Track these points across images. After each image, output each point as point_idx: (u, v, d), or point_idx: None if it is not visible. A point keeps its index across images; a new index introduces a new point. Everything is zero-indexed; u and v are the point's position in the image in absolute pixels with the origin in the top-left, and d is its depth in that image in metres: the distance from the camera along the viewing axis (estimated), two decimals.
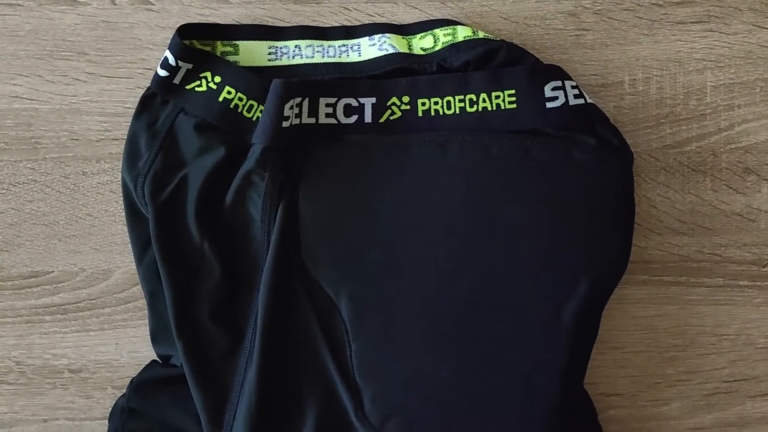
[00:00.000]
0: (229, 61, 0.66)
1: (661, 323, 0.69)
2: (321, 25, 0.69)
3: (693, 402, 0.70)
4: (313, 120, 0.64)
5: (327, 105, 0.65)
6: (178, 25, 0.65)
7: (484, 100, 0.65)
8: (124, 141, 0.66)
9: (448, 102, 0.65)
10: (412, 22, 0.68)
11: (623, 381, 0.70)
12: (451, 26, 0.67)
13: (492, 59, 0.66)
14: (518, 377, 0.63)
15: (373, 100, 0.65)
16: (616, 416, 0.69)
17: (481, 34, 0.66)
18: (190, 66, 0.65)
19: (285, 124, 0.62)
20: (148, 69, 0.69)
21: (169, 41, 0.64)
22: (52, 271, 0.69)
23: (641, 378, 0.70)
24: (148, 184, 0.64)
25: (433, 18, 0.68)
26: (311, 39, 0.68)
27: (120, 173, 0.67)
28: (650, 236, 0.69)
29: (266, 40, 0.68)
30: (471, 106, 0.65)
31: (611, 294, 0.65)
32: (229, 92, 0.65)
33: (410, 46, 0.67)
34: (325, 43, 0.68)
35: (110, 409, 0.67)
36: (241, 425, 0.63)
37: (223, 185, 0.64)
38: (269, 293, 0.63)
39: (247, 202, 0.64)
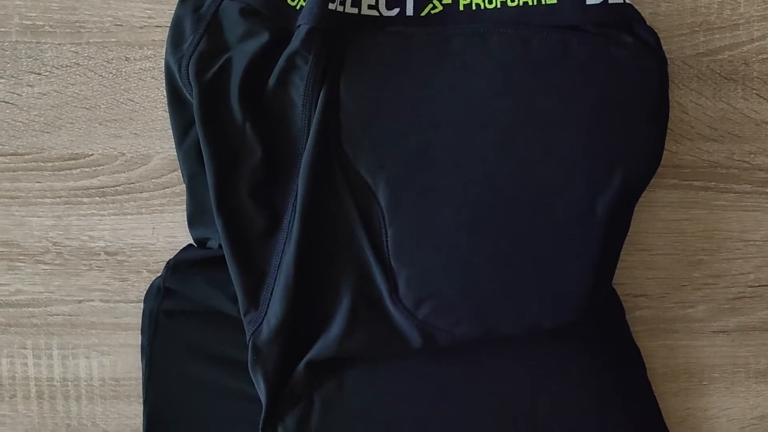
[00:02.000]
0: None
1: (689, 227, 0.71)
2: None
3: (718, 305, 0.71)
4: (355, 10, 0.65)
5: None
6: None
7: None
8: (168, 27, 0.66)
9: None
10: None
11: (650, 282, 0.71)
12: None
13: None
14: (551, 265, 0.64)
15: None
16: (643, 317, 0.71)
17: None
18: None
19: (330, 6, 0.63)
20: None
21: None
22: (92, 154, 0.70)
23: (668, 280, 0.71)
24: (192, 64, 0.65)
25: None
26: None
27: (162, 60, 0.68)
28: (681, 141, 0.71)
29: None
30: (512, 1, 0.66)
31: (644, 190, 0.66)
32: None
33: None
34: None
35: (145, 291, 0.68)
36: (277, 303, 0.64)
37: (266, 70, 0.65)
38: (308, 177, 0.64)
39: (289, 86, 0.65)
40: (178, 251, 0.68)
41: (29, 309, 0.70)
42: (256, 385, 0.64)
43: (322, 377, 0.66)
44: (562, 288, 0.64)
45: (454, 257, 0.64)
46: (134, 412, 0.70)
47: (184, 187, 0.68)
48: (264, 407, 0.64)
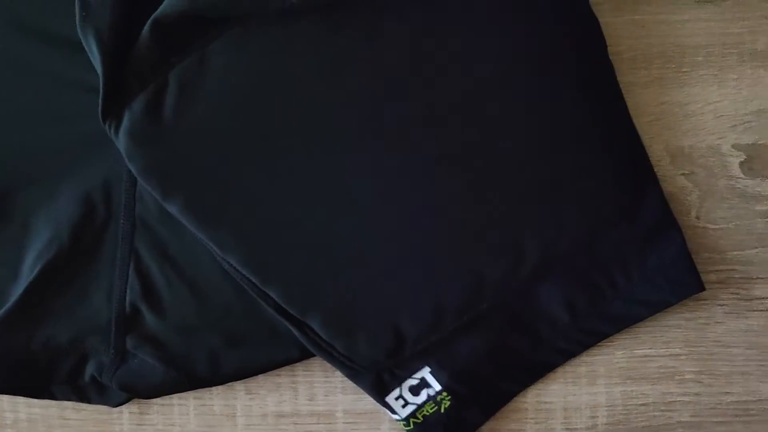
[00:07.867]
0: None
1: None
2: None
3: None
4: None
5: None
6: None
7: None
8: None
9: None
10: None
11: None
12: None
13: None
14: None
15: None
16: None
17: None
18: None
19: None
20: None
21: None
22: None
23: None
24: None
25: None
26: None
27: None
28: None
29: None
30: None
31: None
32: None
33: None
34: None
35: None
36: None
37: None
38: None
39: None
40: None
41: None
42: (89, 52, 0.50)
43: (179, 52, 0.51)
44: None
45: None
46: None
47: None
48: (101, 85, 0.50)
